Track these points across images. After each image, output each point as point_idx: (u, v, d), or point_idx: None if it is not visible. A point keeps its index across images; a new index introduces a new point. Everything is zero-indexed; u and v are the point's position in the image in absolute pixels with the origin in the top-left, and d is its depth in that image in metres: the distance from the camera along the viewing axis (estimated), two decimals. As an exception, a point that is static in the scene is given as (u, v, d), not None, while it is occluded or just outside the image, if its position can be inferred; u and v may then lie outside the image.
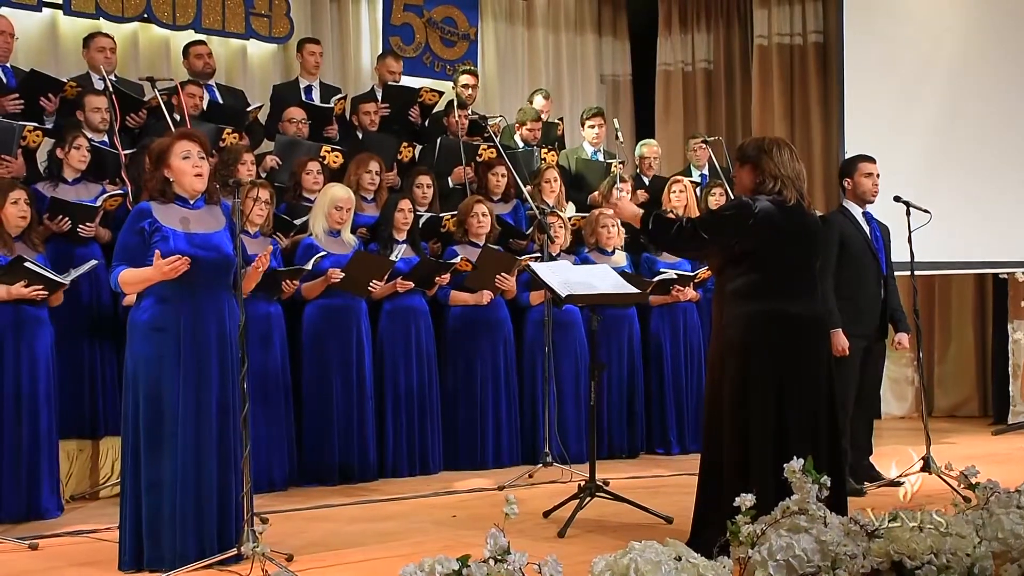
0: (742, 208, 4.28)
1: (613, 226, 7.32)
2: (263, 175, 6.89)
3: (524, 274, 6.89)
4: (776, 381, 4.20)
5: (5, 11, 7.09)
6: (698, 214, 7.59)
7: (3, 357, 5.29)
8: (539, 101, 8.75)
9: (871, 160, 6.14)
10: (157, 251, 4.17)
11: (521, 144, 8.22)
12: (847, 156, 7.02)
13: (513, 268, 6.86)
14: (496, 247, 7.01)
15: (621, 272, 6.56)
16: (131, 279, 4.28)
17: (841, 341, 5.74)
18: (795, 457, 3.38)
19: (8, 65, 6.68)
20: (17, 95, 6.39)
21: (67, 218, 5.82)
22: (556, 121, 8.87)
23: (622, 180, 7.72)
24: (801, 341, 4.27)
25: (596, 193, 7.99)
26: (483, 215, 6.94)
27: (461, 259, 6.76)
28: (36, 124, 6.26)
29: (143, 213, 4.32)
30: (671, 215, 7.36)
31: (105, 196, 5.98)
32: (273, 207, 6.29)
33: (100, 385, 6.02)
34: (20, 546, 4.73)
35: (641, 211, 4.54)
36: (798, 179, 4.32)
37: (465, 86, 8.26)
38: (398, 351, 6.60)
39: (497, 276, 6.80)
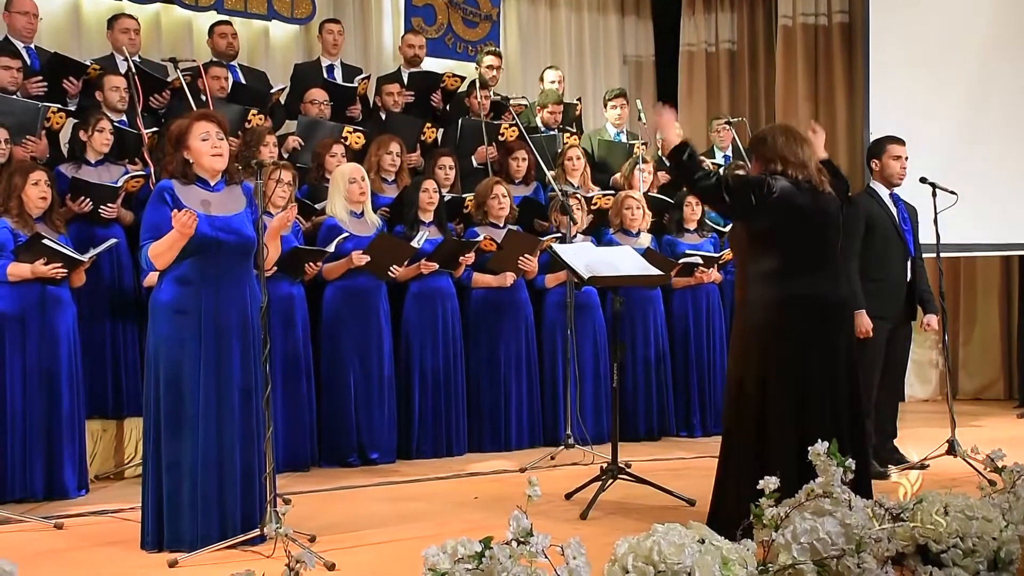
0: (763, 180, 4.27)
1: (638, 208, 7.29)
2: (285, 156, 6.89)
3: (542, 255, 6.87)
4: (797, 363, 4.18)
5: (29, -9, 7.11)
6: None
7: (26, 337, 5.32)
8: (551, 75, 8.64)
9: (900, 142, 6.08)
10: (174, 211, 4.14)
11: (542, 127, 8.18)
12: (872, 137, 6.96)
13: (536, 249, 6.84)
14: (515, 227, 6.99)
15: (646, 251, 6.54)
16: (159, 249, 4.25)
17: (865, 323, 5.71)
18: (818, 440, 3.37)
19: (32, 46, 6.70)
20: (40, 77, 6.41)
21: (88, 199, 5.84)
22: (575, 102, 8.82)
23: (644, 161, 7.70)
24: (822, 323, 4.24)
25: (618, 175, 7.94)
26: (503, 196, 6.92)
27: (485, 238, 6.75)
28: (60, 106, 6.27)
29: (165, 189, 4.32)
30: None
31: (127, 177, 6.00)
32: (295, 189, 6.29)
33: (123, 365, 6.06)
34: (45, 525, 4.76)
35: (679, 140, 4.41)
36: (797, 159, 4.28)
37: (489, 67, 8.21)
38: (425, 333, 6.60)
39: (520, 257, 6.79)
